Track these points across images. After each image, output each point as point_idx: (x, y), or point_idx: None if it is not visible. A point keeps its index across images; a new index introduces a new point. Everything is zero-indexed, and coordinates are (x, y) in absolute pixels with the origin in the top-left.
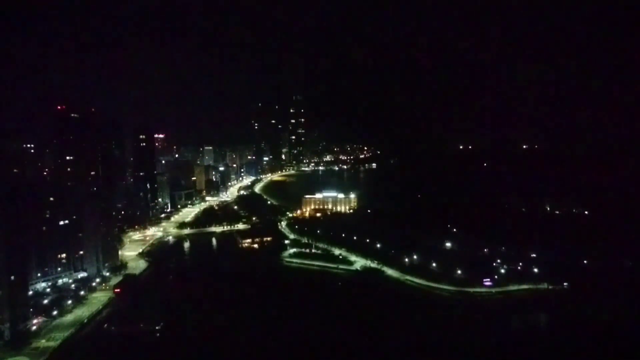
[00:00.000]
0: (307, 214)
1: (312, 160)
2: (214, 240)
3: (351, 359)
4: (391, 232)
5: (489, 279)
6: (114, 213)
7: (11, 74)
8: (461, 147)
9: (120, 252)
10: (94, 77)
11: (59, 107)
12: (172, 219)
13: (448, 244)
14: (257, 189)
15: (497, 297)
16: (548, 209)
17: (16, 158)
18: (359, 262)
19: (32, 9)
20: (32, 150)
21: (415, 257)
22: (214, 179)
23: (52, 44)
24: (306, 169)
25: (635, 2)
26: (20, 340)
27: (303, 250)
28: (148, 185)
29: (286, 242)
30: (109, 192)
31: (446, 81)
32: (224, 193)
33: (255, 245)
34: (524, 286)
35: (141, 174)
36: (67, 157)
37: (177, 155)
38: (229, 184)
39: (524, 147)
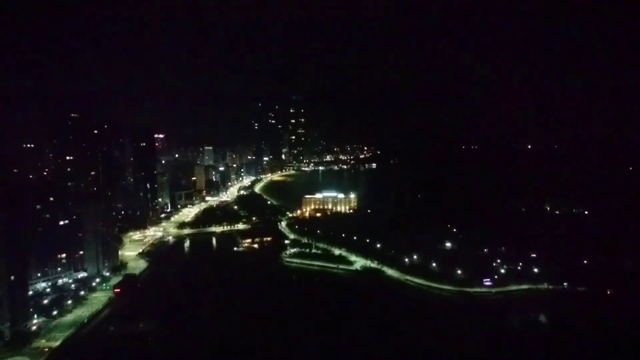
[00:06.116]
0: (307, 214)
1: (312, 160)
2: (214, 240)
3: (351, 359)
4: (391, 232)
5: (489, 279)
6: (114, 213)
7: (11, 74)
8: (463, 147)
9: (120, 252)
10: (94, 77)
11: (59, 108)
12: (172, 219)
13: (448, 244)
14: (257, 189)
15: (497, 297)
16: (548, 209)
17: (16, 158)
18: (359, 262)
19: (32, 9)
20: (32, 151)
21: (415, 257)
22: (214, 179)
23: (53, 44)
24: (306, 169)
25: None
26: (20, 340)
27: (303, 250)
28: (148, 185)
29: (286, 242)
30: (109, 192)
31: (447, 81)
32: (224, 193)
33: (255, 245)
34: (524, 286)
35: (141, 174)
36: (67, 157)
37: (177, 155)
38: (229, 184)
39: (528, 147)
